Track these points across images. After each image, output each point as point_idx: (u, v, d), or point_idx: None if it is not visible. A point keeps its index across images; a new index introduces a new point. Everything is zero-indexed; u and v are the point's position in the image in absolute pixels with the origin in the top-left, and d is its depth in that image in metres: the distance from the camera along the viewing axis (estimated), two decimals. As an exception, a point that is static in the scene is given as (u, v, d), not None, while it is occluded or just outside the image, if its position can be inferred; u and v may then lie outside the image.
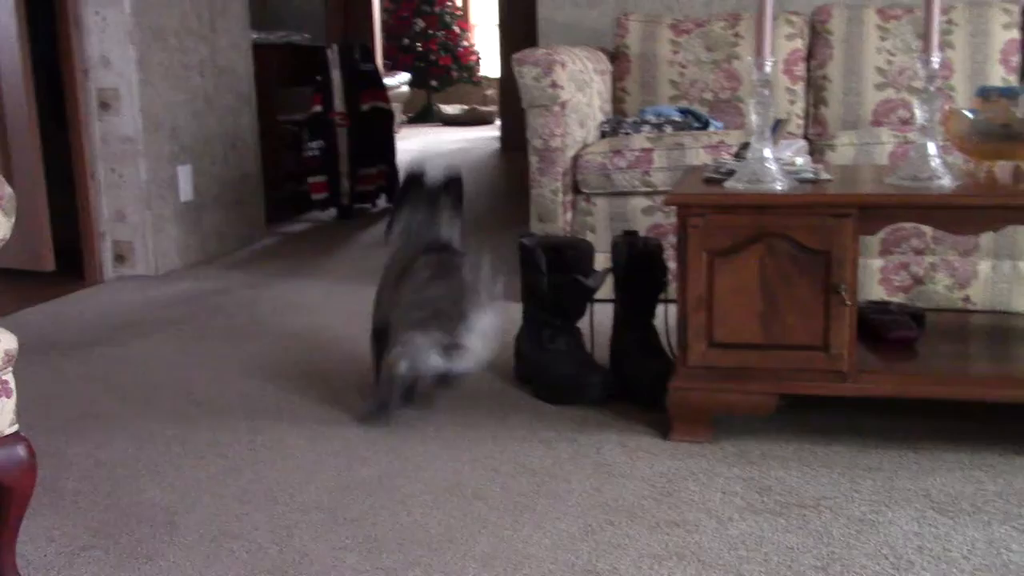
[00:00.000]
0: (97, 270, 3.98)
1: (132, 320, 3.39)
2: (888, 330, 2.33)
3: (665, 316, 2.52)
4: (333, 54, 5.27)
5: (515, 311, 2.69)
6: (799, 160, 2.29)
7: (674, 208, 2.18)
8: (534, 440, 2.24)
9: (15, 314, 3.48)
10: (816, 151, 3.20)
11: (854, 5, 3.63)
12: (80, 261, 3.99)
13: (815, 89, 3.62)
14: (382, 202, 5.75)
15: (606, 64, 3.72)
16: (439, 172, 2.47)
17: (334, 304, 3.53)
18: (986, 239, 2.96)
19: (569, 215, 3.29)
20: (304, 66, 5.43)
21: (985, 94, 2.29)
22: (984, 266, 2.99)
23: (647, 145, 3.20)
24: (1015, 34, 3.47)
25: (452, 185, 2.47)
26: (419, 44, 11.75)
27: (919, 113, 2.13)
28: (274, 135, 5.25)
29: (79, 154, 3.90)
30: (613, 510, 1.90)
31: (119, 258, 4.03)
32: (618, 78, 3.78)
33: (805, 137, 3.49)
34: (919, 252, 3.02)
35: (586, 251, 2.59)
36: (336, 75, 5.26)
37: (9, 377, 1.55)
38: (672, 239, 3.03)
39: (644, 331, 2.51)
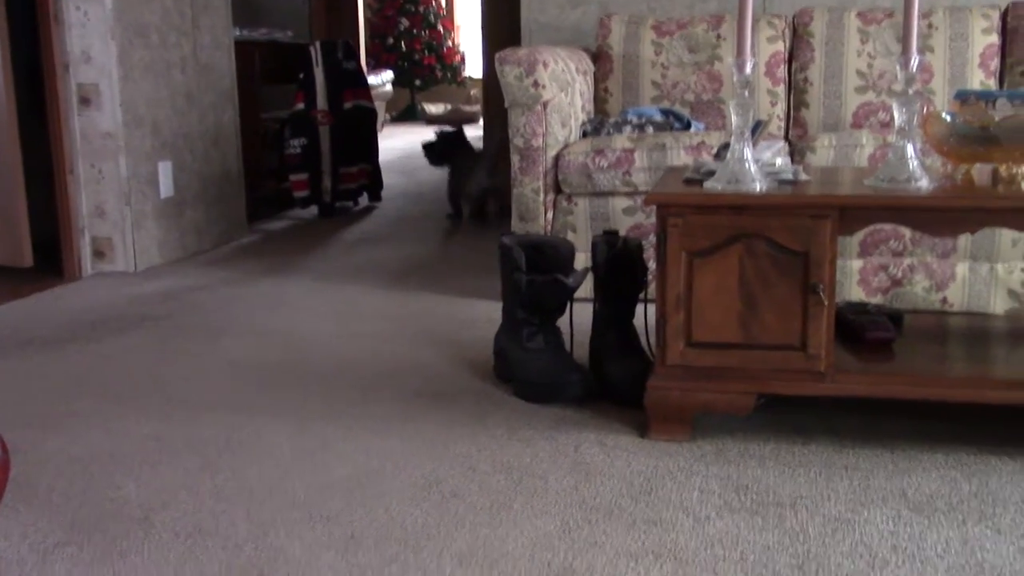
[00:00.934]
0: (76, 266, 3.96)
1: (110, 317, 3.37)
2: (866, 331, 2.34)
3: (644, 315, 2.52)
4: (316, 52, 5.25)
5: (495, 310, 2.69)
6: (779, 161, 2.30)
7: (654, 208, 2.18)
8: (512, 438, 2.24)
9: (-8, 310, 3.46)
10: (796, 153, 3.21)
11: (835, 8, 3.65)
12: (58, 257, 3.96)
13: (796, 91, 3.64)
14: (364, 200, 5.74)
15: (588, 64, 3.72)
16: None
17: (314, 302, 3.52)
18: (964, 241, 2.98)
19: (550, 215, 3.30)
20: (287, 64, 5.41)
21: (964, 97, 2.31)
22: (962, 268, 3.01)
23: (629, 145, 3.21)
24: (994, 39, 3.49)
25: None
26: (403, 43, 11.74)
27: (898, 116, 2.14)
28: (256, 132, 5.23)
29: (58, 149, 3.88)
30: (591, 508, 1.90)
31: (98, 254, 4.01)
32: (600, 79, 3.79)
33: (786, 139, 3.50)
34: (897, 254, 3.04)
35: (566, 250, 2.60)
36: (319, 73, 5.25)
37: (-18, 371, 1.54)
38: (652, 239, 3.04)
39: (623, 330, 2.51)
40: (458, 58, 12.18)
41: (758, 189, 2.12)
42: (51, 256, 3.97)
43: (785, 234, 2.08)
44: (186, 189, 4.32)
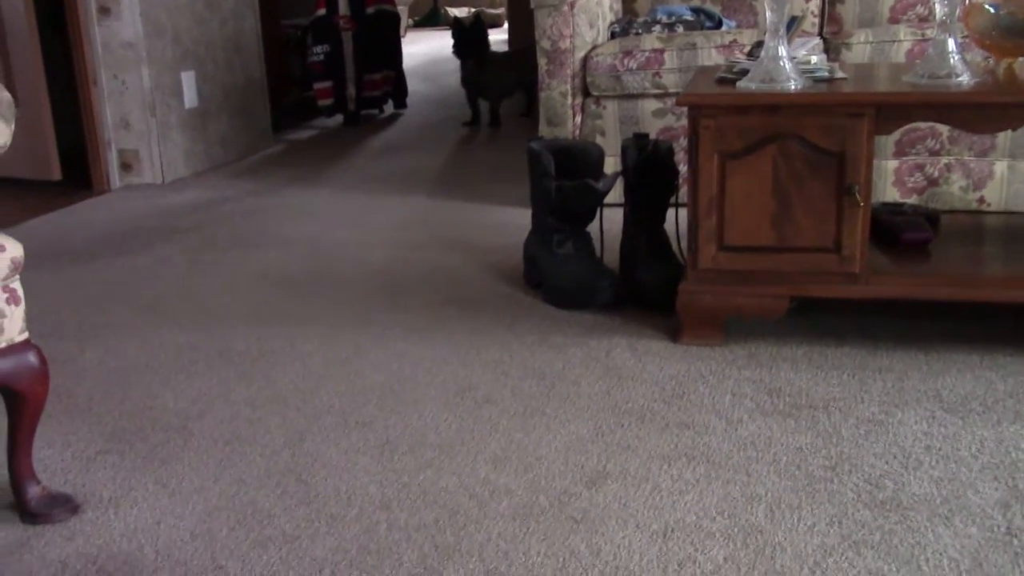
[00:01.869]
0: (104, 179, 3.96)
1: (140, 229, 3.38)
2: (902, 232, 2.30)
3: (676, 220, 2.49)
4: (336, -45, 5.13)
5: (524, 216, 2.67)
6: (814, 59, 2.23)
7: (685, 110, 2.14)
8: (544, 344, 2.25)
9: (23, 224, 3.48)
10: (831, 50, 3.12)
11: None
12: (86, 170, 3.96)
13: (831, -14, 3.52)
14: (389, 108, 5.68)
15: (616, -38, 3.61)
16: None
17: (342, 211, 3.51)
18: (1002, 139, 2.91)
19: (579, 118, 3.24)
20: (307, -32, 5.30)
21: (1007, -13, 2.21)
22: (1000, 166, 2.94)
23: (658, 45, 3.13)
24: (1040, -75, 3.35)
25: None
26: (425, -55, 11.46)
27: (939, 8, 2.07)
28: (278, 40, 5.15)
29: (80, 61, 3.84)
30: (623, 412, 1.91)
31: (125, 166, 4.01)
32: (628, -24, 3.68)
33: (820, 36, 3.40)
34: (934, 153, 2.97)
35: (596, 154, 2.56)
36: (340, -23, 5.14)
37: (17, 285, 1.55)
38: (683, 142, 2.99)
39: (654, 235, 2.49)
40: (481, -41, 11.88)
41: (793, 88, 2.06)
42: (79, 169, 3.97)
43: (820, 134, 2.04)
44: (210, 99, 4.29)
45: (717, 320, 2.19)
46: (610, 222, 2.62)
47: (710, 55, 3.07)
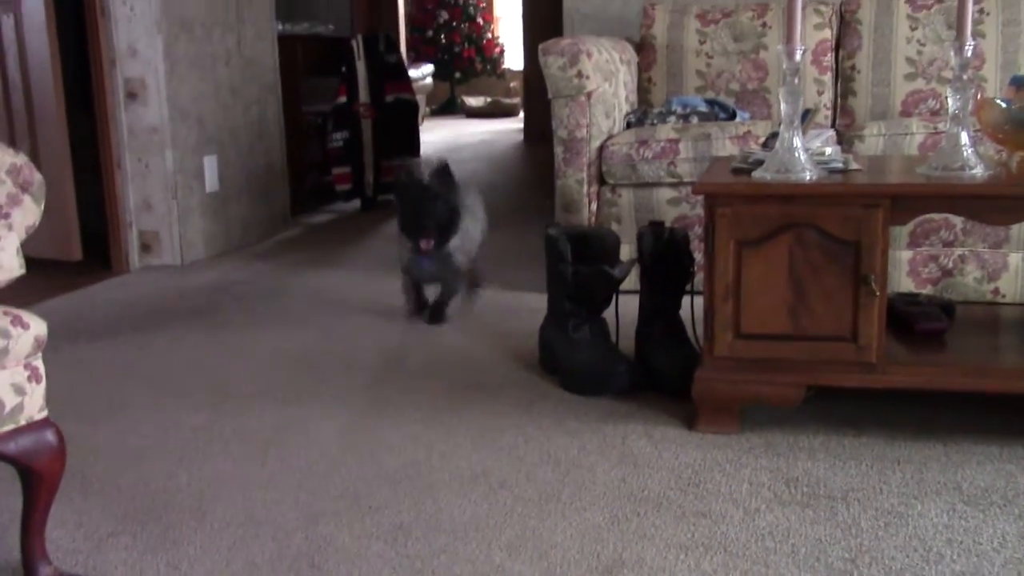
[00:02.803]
0: (124, 260, 4.01)
1: (158, 309, 3.40)
2: (917, 322, 2.30)
3: (691, 306, 2.50)
4: (358, 45, 5.27)
5: (540, 301, 2.68)
6: (828, 150, 2.27)
7: (700, 198, 2.16)
8: (559, 430, 2.24)
9: (43, 303, 3.51)
10: (845, 141, 3.17)
11: (883, -6, 3.59)
12: (107, 251, 4.01)
13: (844, 79, 3.59)
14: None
15: (632, 54, 3.70)
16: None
17: (358, 294, 3.53)
18: (1016, 231, 2.93)
19: (594, 206, 3.28)
20: (329, 57, 5.43)
21: (1019, 83, 2.26)
22: (1015, 258, 2.95)
23: (673, 136, 3.18)
24: (1048, 24, 3.42)
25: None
26: (443, 36, 11.74)
27: (951, 102, 2.10)
28: (299, 126, 5.26)
29: (106, 143, 3.93)
30: (639, 500, 1.90)
31: (145, 247, 4.05)
32: (644, 68, 3.76)
33: (833, 127, 3.46)
34: (948, 244, 2.99)
35: (612, 241, 2.58)
36: (361, 66, 5.27)
37: (39, 363, 1.56)
38: (698, 231, 3.01)
39: (670, 321, 2.50)
40: (498, 50, 12.16)
41: (808, 178, 2.09)
42: (99, 250, 4.02)
43: (836, 224, 2.05)
44: (231, 183, 4.36)
45: (733, 408, 2.19)
46: (626, 308, 2.63)
47: (724, 146, 3.12)
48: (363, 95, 5.30)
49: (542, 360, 2.64)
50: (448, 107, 11.93)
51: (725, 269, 2.12)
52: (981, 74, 3.41)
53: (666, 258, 2.48)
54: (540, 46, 3.25)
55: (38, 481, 1.59)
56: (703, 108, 3.42)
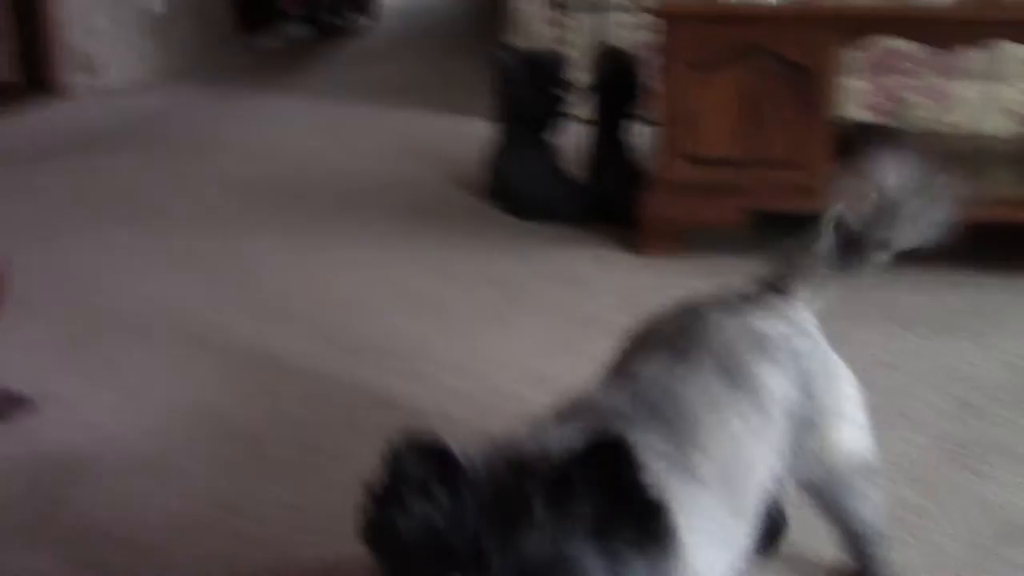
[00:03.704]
0: (62, 82, 3.86)
1: (99, 133, 3.31)
2: (868, 148, 2.30)
3: (642, 133, 2.48)
4: None
5: (491, 127, 2.64)
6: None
7: (658, 21, 2.11)
8: (509, 256, 2.25)
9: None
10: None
11: None
12: (44, 72, 3.86)
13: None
14: (360, 17, 5.56)
15: None
16: None
17: (307, 119, 3.46)
18: (972, 62, 2.90)
19: (549, 30, 3.19)
20: None
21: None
22: (968, 89, 2.94)
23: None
24: None
25: None
26: None
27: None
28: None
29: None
30: (584, 322, 1.92)
31: (85, 69, 3.90)
32: None
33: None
34: (905, 74, 2.96)
35: (563, 65, 2.53)
36: None
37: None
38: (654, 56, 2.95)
39: (620, 148, 2.48)
40: None
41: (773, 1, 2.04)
42: (36, 72, 3.87)
43: (792, 48, 2.02)
44: (175, 3, 4.17)
45: (680, 232, 2.20)
46: (577, 135, 2.60)
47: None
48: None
49: (492, 187, 2.62)
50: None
51: (677, 94, 2.09)
52: None
53: (619, 83, 2.43)
54: None
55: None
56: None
